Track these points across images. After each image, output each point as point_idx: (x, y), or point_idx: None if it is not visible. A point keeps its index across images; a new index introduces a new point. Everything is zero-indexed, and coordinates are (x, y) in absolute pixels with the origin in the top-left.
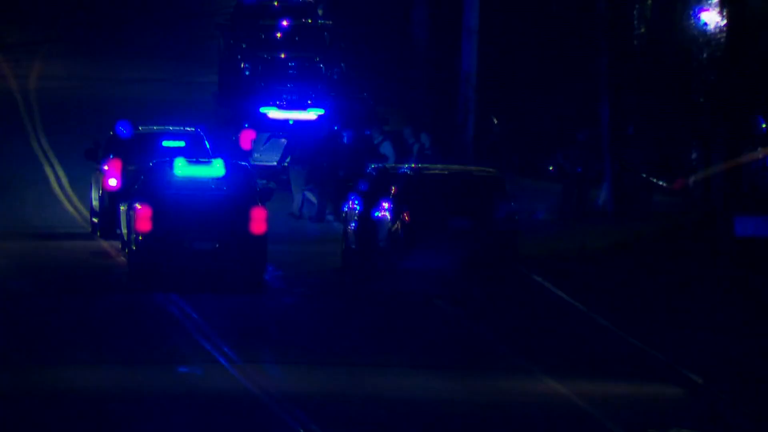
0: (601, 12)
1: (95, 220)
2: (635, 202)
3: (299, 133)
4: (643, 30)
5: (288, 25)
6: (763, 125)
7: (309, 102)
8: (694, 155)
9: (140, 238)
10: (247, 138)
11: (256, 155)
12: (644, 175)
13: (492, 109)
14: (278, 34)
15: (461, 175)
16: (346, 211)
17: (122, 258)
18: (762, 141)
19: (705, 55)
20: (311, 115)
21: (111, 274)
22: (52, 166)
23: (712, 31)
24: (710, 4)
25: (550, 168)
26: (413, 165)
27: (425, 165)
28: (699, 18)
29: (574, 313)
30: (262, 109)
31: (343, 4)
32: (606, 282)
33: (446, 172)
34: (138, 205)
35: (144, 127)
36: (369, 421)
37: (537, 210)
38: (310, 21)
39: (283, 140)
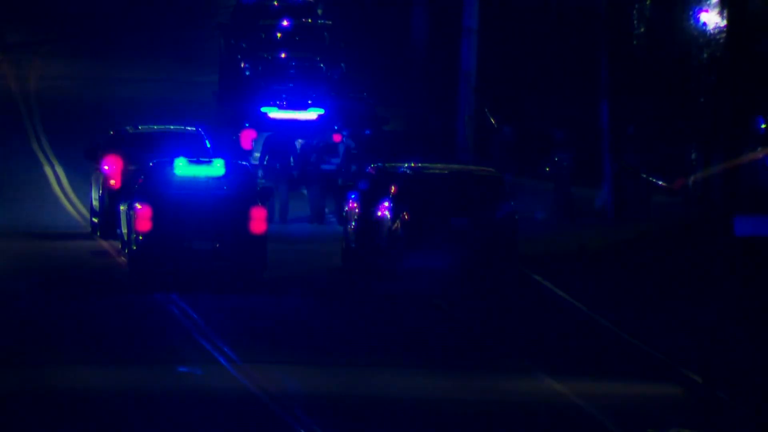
0: (601, 12)
1: (95, 220)
2: (635, 203)
3: (281, 132)
4: (642, 30)
5: (288, 25)
6: (763, 125)
7: (309, 102)
8: (694, 155)
9: (140, 238)
10: (247, 138)
11: (256, 155)
12: (644, 175)
13: (491, 109)
14: (278, 34)
15: (461, 175)
16: (346, 211)
17: (122, 258)
18: (762, 141)
19: (705, 55)
20: (312, 114)
21: (111, 274)
22: (52, 166)
23: (712, 31)
24: (710, 5)
25: (546, 169)
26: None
27: (425, 165)
28: (699, 18)
29: (574, 313)
30: (263, 109)
31: (343, 4)
32: (606, 282)
33: (446, 172)
34: (138, 205)
35: (144, 126)
36: (369, 421)
37: (537, 210)
38: (310, 21)
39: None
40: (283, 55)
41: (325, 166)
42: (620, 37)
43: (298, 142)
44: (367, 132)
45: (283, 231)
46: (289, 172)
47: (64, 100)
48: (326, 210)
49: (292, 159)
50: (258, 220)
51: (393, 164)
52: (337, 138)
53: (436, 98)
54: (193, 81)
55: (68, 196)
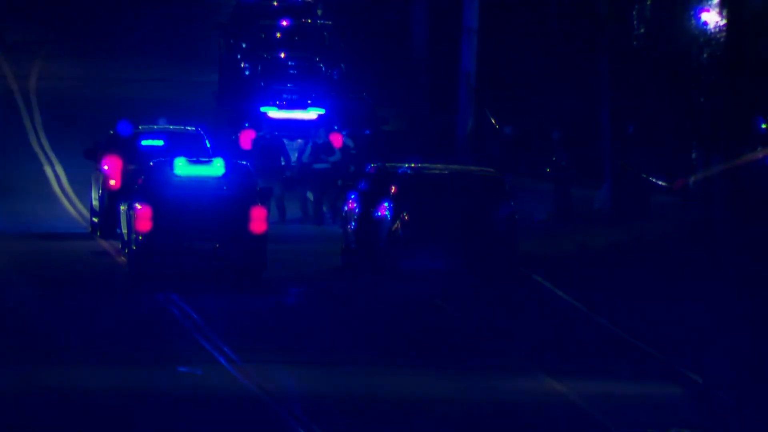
0: (601, 12)
1: (95, 220)
2: (635, 202)
3: (271, 132)
4: (642, 30)
5: (288, 25)
6: (763, 125)
7: (309, 102)
8: (694, 155)
9: (140, 238)
10: (247, 138)
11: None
12: (644, 175)
13: (491, 109)
14: (278, 34)
15: (461, 175)
16: (346, 211)
17: (122, 258)
18: (762, 141)
19: (705, 55)
20: (311, 114)
21: (111, 274)
22: (52, 166)
23: (712, 31)
24: (710, 4)
25: (547, 169)
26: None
27: (425, 165)
28: (699, 18)
29: (574, 313)
30: (262, 109)
31: (342, 4)
32: (606, 282)
33: (446, 172)
34: (138, 205)
35: (144, 126)
36: (369, 421)
37: (537, 210)
38: (309, 21)
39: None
40: (282, 55)
41: (318, 165)
42: (620, 37)
43: (298, 142)
44: (367, 132)
45: (281, 231)
46: (281, 172)
47: (64, 100)
48: (323, 209)
49: (282, 159)
50: (258, 220)
51: (393, 164)
52: (333, 137)
53: (436, 98)
54: (193, 81)
55: (68, 196)
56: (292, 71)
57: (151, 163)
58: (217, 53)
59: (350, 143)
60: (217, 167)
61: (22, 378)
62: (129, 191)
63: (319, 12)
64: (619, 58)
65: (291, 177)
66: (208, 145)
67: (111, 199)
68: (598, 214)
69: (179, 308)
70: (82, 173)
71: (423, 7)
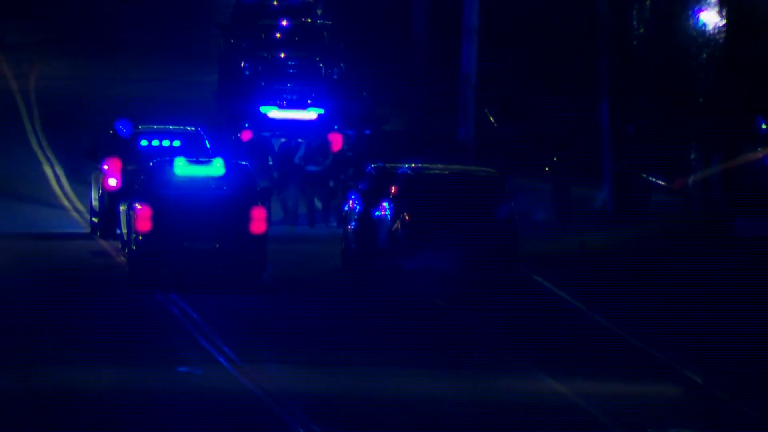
0: (600, 13)
1: (95, 220)
2: (635, 202)
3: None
4: (642, 30)
5: (288, 25)
6: (763, 125)
7: (309, 102)
8: (694, 155)
9: (140, 238)
10: (247, 138)
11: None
12: (644, 175)
13: (492, 109)
14: (278, 34)
15: (461, 175)
16: (346, 211)
17: (122, 258)
18: (762, 141)
19: (704, 56)
20: (311, 114)
21: (111, 274)
22: (52, 166)
23: (712, 31)
24: (709, 5)
25: (546, 169)
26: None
27: (425, 165)
28: (698, 18)
29: (574, 313)
30: (262, 109)
31: (342, 4)
32: (606, 282)
33: (446, 172)
34: (138, 205)
35: (144, 126)
36: (369, 421)
37: (537, 210)
38: (309, 21)
39: (283, 140)
40: (282, 55)
41: (311, 168)
42: (620, 38)
43: (278, 142)
44: (367, 132)
45: (281, 232)
46: (269, 173)
47: (64, 100)
48: (314, 210)
49: (270, 159)
50: (258, 220)
51: (393, 164)
52: (333, 138)
53: (436, 98)
54: (193, 81)
55: (68, 196)
56: (291, 71)
57: (151, 163)
58: (217, 53)
59: (343, 144)
60: (217, 167)
61: (22, 378)
62: (129, 191)
63: (319, 12)
64: (618, 58)
65: (277, 178)
66: (208, 146)
67: (111, 199)
68: (599, 214)
69: (179, 308)
70: (82, 173)
71: (423, 7)
